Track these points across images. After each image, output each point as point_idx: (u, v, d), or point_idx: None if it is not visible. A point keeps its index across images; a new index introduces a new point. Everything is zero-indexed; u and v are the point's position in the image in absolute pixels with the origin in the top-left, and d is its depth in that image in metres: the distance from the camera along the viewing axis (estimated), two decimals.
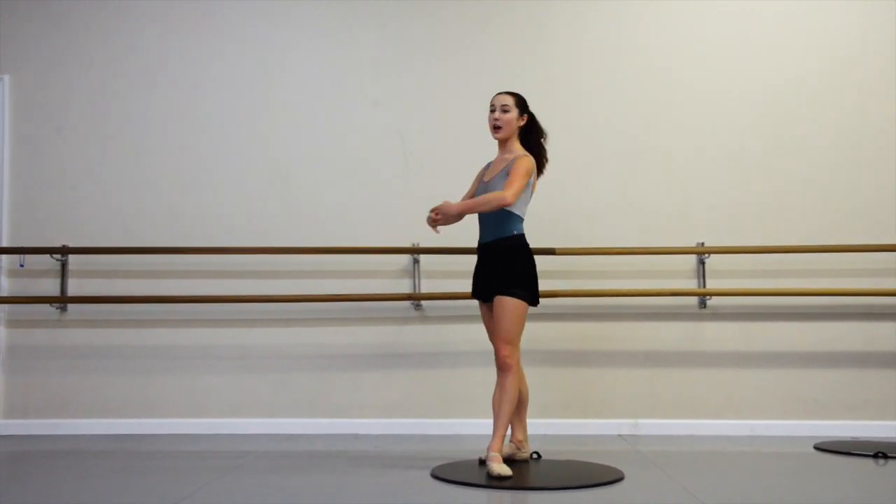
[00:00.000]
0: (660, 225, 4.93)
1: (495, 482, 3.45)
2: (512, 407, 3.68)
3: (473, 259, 3.92)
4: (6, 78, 5.05)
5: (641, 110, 5.02)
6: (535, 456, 3.95)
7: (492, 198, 3.63)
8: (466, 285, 3.99)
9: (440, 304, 4.88)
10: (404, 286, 4.92)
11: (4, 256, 4.93)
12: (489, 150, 4.00)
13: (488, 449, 3.64)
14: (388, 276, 4.94)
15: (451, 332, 4.88)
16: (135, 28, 5.10)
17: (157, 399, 4.89)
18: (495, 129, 3.82)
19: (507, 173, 3.70)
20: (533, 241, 3.83)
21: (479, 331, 3.99)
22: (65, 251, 4.88)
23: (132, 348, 4.93)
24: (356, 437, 4.73)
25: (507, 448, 3.85)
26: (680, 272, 4.91)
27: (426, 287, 4.90)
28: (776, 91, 5.01)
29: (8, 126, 5.04)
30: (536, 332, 3.89)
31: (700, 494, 3.25)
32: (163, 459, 4.13)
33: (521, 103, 3.87)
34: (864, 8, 5.03)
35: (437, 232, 3.83)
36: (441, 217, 3.73)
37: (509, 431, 3.89)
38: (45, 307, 4.91)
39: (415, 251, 4.85)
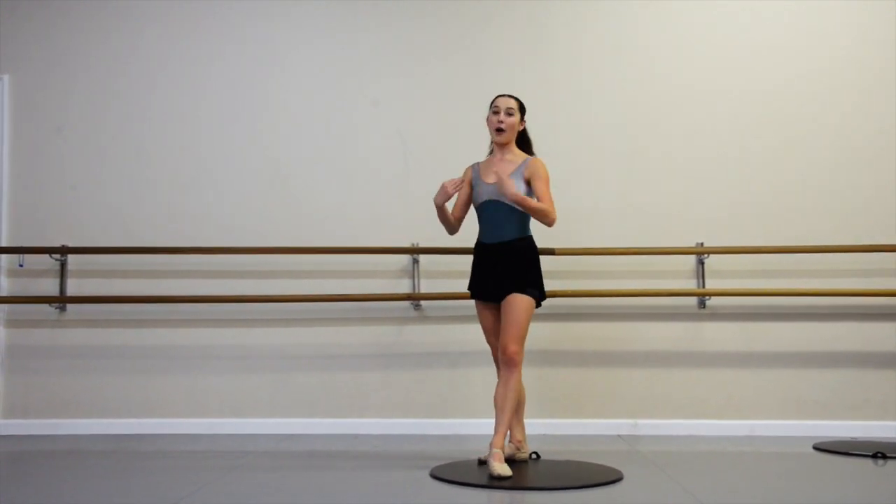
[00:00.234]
0: (659, 225, 4.93)
1: (495, 482, 3.45)
2: (515, 404, 3.70)
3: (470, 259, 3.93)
4: (6, 78, 5.05)
5: (641, 110, 5.02)
6: (534, 456, 3.95)
7: (548, 210, 3.70)
8: (466, 286, 3.98)
9: (440, 304, 4.88)
10: (404, 286, 4.92)
11: (4, 256, 4.94)
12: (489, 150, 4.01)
13: (491, 445, 3.64)
14: (388, 276, 4.94)
15: (451, 332, 4.88)
16: (135, 28, 5.10)
17: (156, 399, 4.89)
18: (499, 131, 3.83)
19: (523, 176, 3.76)
20: None
21: (478, 330, 3.98)
22: (64, 251, 4.88)
23: (132, 348, 4.93)
24: (356, 437, 4.73)
25: (507, 448, 3.85)
26: (679, 272, 4.91)
27: (426, 287, 4.90)
28: (776, 91, 5.01)
29: (8, 126, 5.04)
30: (536, 333, 3.88)
31: (699, 494, 3.25)
32: (163, 459, 4.13)
33: (522, 108, 3.92)
34: (864, 8, 5.03)
35: (449, 193, 3.75)
36: (492, 189, 3.75)
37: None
38: (45, 307, 4.91)
39: (414, 251, 4.86)
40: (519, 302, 3.68)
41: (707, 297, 4.85)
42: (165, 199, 5.00)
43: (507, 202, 3.75)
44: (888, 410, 4.79)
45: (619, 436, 4.75)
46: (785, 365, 4.86)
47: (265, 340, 4.93)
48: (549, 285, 3.86)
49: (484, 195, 3.82)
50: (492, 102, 3.91)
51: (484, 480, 3.49)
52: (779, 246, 4.82)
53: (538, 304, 3.78)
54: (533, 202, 3.74)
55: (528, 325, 3.69)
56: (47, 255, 4.88)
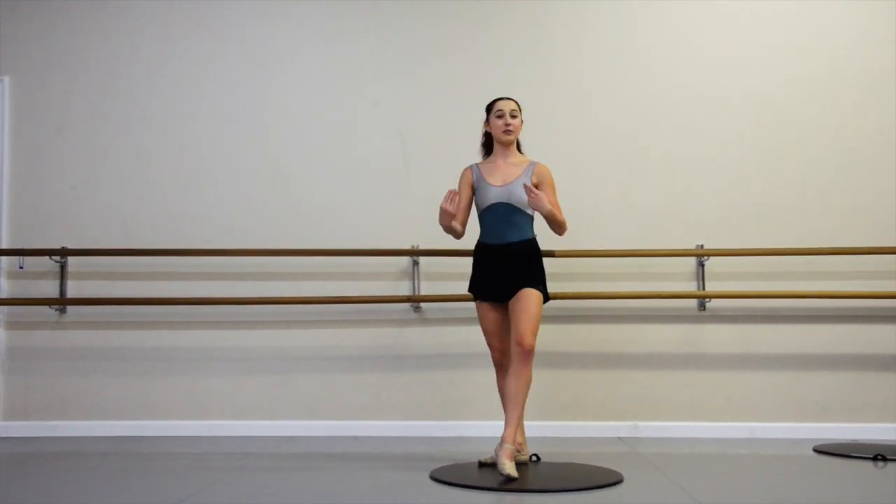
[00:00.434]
0: (659, 227, 4.93)
1: (502, 483, 3.46)
2: (526, 398, 3.70)
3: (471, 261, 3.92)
4: (6, 79, 5.05)
5: (641, 111, 5.02)
6: (534, 458, 3.95)
7: (563, 221, 3.80)
8: (465, 287, 3.98)
9: (439, 306, 4.88)
10: (404, 288, 4.92)
11: (4, 258, 4.93)
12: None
13: (503, 440, 3.64)
14: (388, 278, 4.94)
15: (451, 334, 4.88)
16: (135, 28, 5.10)
17: (157, 401, 4.89)
18: (508, 133, 3.84)
19: (531, 181, 3.81)
20: None
21: (478, 332, 3.98)
22: (64, 253, 4.88)
23: (132, 350, 4.93)
24: (356, 438, 4.73)
25: None
26: (679, 274, 4.91)
27: (425, 289, 4.90)
28: (776, 92, 5.01)
29: (8, 127, 5.03)
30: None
31: (699, 497, 3.25)
32: (163, 461, 4.13)
33: (520, 110, 3.93)
34: (864, 9, 5.03)
35: (452, 211, 3.73)
36: (500, 192, 3.78)
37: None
38: (45, 309, 4.91)
39: (414, 253, 4.85)
40: (531, 295, 3.71)
41: (707, 300, 4.85)
42: (165, 200, 5.00)
43: (515, 204, 3.77)
44: (888, 412, 4.79)
45: (619, 438, 4.75)
46: (785, 367, 4.86)
47: (265, 342, 4.93)
48: (549, 287, 3.86)
49: (491, 198, 3.82)
50: (492, 106, 3.92)
51: (484, 482, 3.49)
52: (779, 248, 4.82)
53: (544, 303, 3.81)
54: (560, 215, 3.80)
55: (540, 318, 3.72)
56: (47, 257, 4.88)
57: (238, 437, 4.76)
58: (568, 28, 5.08)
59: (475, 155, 4.08)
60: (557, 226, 3.84)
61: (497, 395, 3.92)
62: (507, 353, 3.86)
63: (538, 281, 3.78)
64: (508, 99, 3.92)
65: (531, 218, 3.85)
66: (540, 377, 4.70)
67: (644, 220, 4.94)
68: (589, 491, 3.39)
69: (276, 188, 5.01)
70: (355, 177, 5.01)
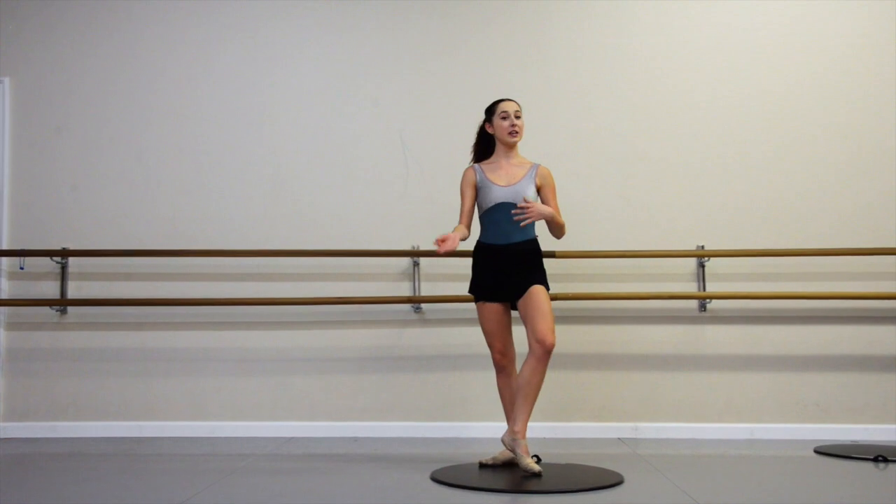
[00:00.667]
0: (660, 228, 4.93)
1: (526, 477, 3.53)
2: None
3: (470, 262, 3.92)
4: (6, 80, 5.05)
5: (641, 113, 5.02)
6: (535, 459, 3.94)
7: (563, 224, 3.86)
8: (466, 288, 3.98)
9: (440, 306, 4.88)
10: (404, 289, 4.92)
11: (4, 259, 4.93)
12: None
13: (515, 433, 3.67)
14: (388, 278, 4.94)
15: (451, 335, 4.88)
16: (135, 28, 5.11)
17: (157, 402, 4.89)
18: (513, 134, 3.86)
19: (535, 183, 3.83)
20: None
21: (478, 333, 3.98)
22: (65, 254, 4.88)
23: (132, 351, 4.93)
24: (356, 439, 4.73)
25: (508, 452, 3.84)
26: (680, 275, 4.91)
27: (426, 290, 4.90)
28: (777, 94, 5.01)
29: (8, 128, 5.04)
30: None
31: (700, 498, 3.25)
32: (163, 462, 4.13)
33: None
34: (865, 12, 5.03)
35: (452, 248, 3.70)
36: (506, 192, 3.80)
37: (502, 436, 3.89)
38: (45, 310, 4.91)
39: (415, 254, 4.85)
40: (543, 292, 3.74)
41: (708, 301, 4.85)
42: (166, 200, 5.00)
43: (528, 200, 3.77)
44: (889, 413, 4.79)
45: (619, 439, 4.75)
46: (786, 368, 4.86)
47: (266, 343, 4.93)
48: (549, 288, 3.86)
49: (496, 198, 3.82)
50: (494, 108, 3.91)
51: (485, 484, 3.49)
52: (779, 249, 4.82)
53: None
54: (559, 217, 3.83)
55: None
56: (48, 258, 4.88)
57: (238, 437, 4.76)
58: (568, 29, 5.08)
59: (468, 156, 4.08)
60: (557, 229, 3.87)
61: (497, 396, 3.92)
62: (507, 354, 3.86)
63: (544, 279, 3.81)
64: (511, 100, 3.92)
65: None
66: None
67: (644, 221, 4.94)
68: (589, 492, 3.39)
69: (276, 189, 5.01)
70: (356, 177, 5.01)
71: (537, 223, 3.87)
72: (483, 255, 3.87)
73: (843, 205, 4.93)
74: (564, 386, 4.82)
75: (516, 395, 3.73)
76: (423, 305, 4.89)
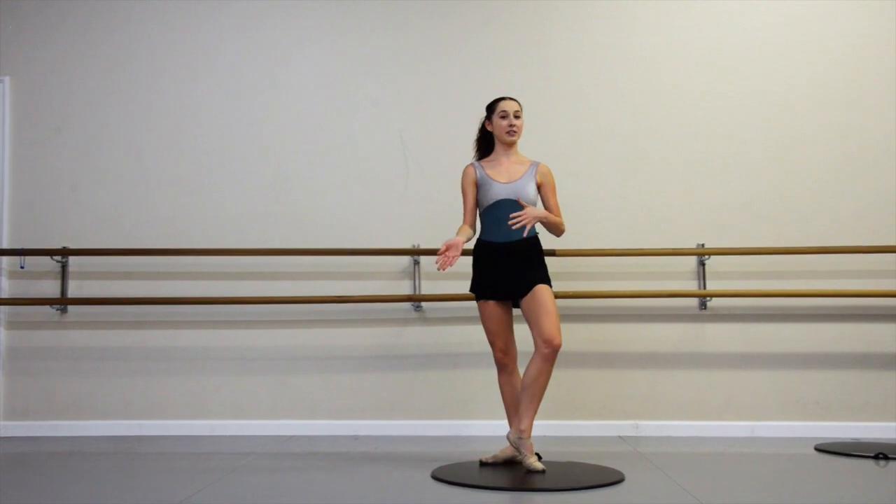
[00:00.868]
0: (660, 226, 4.93)
1: (528, 475, 3.55)
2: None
3: (469, 260, 3.91)
4: (6, 80, 5.05)
5: (642, 112, 5.02)
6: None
7: (562, 223, 3.86)
8: (466, 287, 3.98)
9: (440, 305, 4.88)
10: (405, 287, 4.92)
11: (5, 258, 4.94)
12: None
13: (521, 432, 3.68)
14: (389, 277, 4.94)
15: (452, 334, 4.88)
16: (135, 28, 5.11)
17: (157, 400, 4.89)
18: (511, 133, 3.85)
19: (535, 181, 3.83)
20: None
21: (478, 332, 3.98)
22: (65, 253, 4.88)
23: (133, 350, 4.93)
24: (356, 438, 4.73)
25: (509, 450, 3.85)
26: (680, 273, 4.91)
27: (426, 288, 4.90)
28: (777, 93, 5.01)
29: (9, 128, 5.04)
30: None
31: (700, 496, 3.25)
32: (163, 461, 4.13)
33: (522, 110, 3.94)
34: (865, 12, 5.03)
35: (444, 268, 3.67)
36: (507, 189, 3.79)
37: (507, 434, 3.90)
38: (46, 309, 4.91)
39: (415, 252, 4.86)
40: (547, 291, 3.73)
41: (708, 299, 4.85)
42: (166, 200, 5.00)
43: (521, 202, 3.78)
44: (889, 411, 4.79)
45: (620, 437, 4.75)
46: (786, 366, 4.86)
47: (266, 342, 4.93)
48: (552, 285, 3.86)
49: (497, 195, 3.82)
50: (494, 106, 3.91)
51: (486, 482, 3.49)
52: (780, 247, 4.83)
53: None
54: (553, 217, 3.83)
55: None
56: (48, 257, 4.88)
57: (239, 436, 4.76)
58: (568, 29, 5.08)
59: (471, 154, 4.07)
60: (554, 228, 3.86)
61: (499, 394, 3.92)
62: (509, 353, 3.85)
63: (547, 277, 3.80)
64: (511, 99, 3.91)
65: None
66: None
67: (645, 219, 4.94)
68: (590, 490, 3.39)
69: (276, 188, 5.01)
70: (356, 176, 5.01)
71: (554, 232, 3.88)
72: (484, 254, 3.86)
73: (843, 203, 4.93)
74: (565, 384, 4.82)
75: (522, 395, 3.73)
76: (424, 304, 4.89)
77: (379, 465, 3.93)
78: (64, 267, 4.92)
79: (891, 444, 4.43)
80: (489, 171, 3.88)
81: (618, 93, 5.03)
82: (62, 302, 4.87)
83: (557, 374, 4.76)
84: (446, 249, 3.65)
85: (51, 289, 4.94)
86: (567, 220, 3.94)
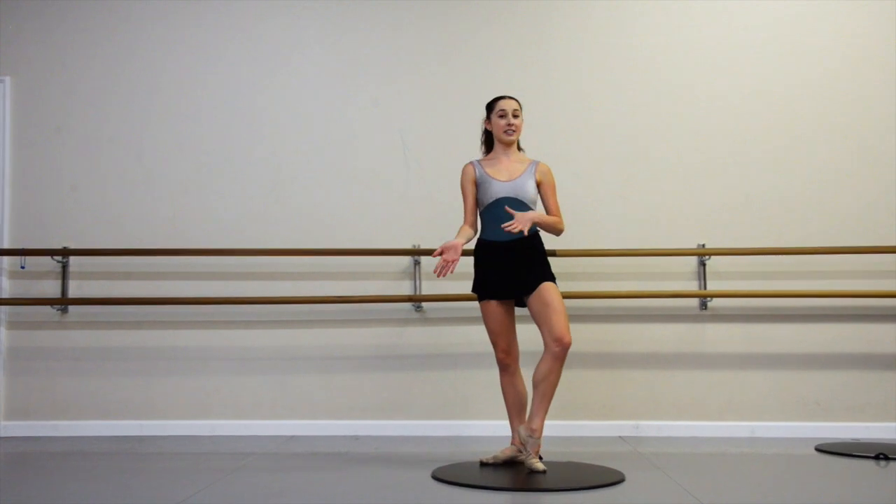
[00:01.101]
0: (660, 227, 4.93)
1: (531, 475, 3.55)
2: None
3: (471, 260, 3.91)
4: (7, 80, 5.05)
5: (642, 113, 5.02)
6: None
7: (560, 223, 3.85)
8: (467, 286, 3.98)
9: (441, 305, 4.88)
10: (405, 288, 4.92)
11: (5, 258, 4.94)
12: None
13: (533, 431, 3.67)
14: (389, 277, 4.94)
15: (452, 334, 4.88)
16: (135, 28, 5.11)
17: (158, 400, 4.89)
18: (509, 133, 3.85)
19: (535, 179, 3.82)
20: None
21: (479, 332, 3.98)
22: (66, 253, 4.88)
23: (133, 350, 4.93)
24: (357, 438, 4.73)
25: (509, 450, 3.84)
26: (681, 274, 4.91)
27: (427, 289, 4.89)
28: (777, 93, 5.01)
29: (9, 128, 5.04)
30: (537, 335, 3.87)
31: (701, 496, 3.25)
32: (164, 461, 4.13)
33: (521, 109, 3.94)
34: (865, 12, 5.03)
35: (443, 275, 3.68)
36: (507, 187, 3.79)
37: (509, 433, 3.90)
38: (46, 309, 4.91)
39: (415, 253, 4.85)
40: (554, 289, 3.72)
41: (708, 299, 4.85)
42: (167, 200, 5.00)
43: (522, 199, 3.78)
44: (890, 412, 4.79)
45: (620, 437, 4.75)
46: (786, 366, 4.86)
47: (267, 342, 4.93)
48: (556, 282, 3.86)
49: (497, 193, 3.81)
50: (493, 105, 3.91)
51: (486, 482, 3.49)
52: (780, 247, 4.82)
53: None
54: (547, 218, 3.82)
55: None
56: (49, 257, 4.88)
57: (239, 436, 4.76)
58: (568, 30, 5.08)
59: (475, 154, 4.07)
60: (550, 228, 3.84)
61: (499, 394, 3.91)
62: (512, 353, 3.84)
63: (551, 274, 3.78)
64: (510, 98, 3.91)
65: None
66: None
67: (645, 219, 4.94)
68: (590, 490, 3.39)
69: (277, 188, 5.01)
70: (356, 176, 5.01)
71: (552, 232, 3.87)
72: (485, 253, 3.84)
73: (843, 203, 4.93)
74: (566, 384, 4.77)
75: (533, 394, 3.71)
76: (424, 304, 4.89)
77: (379, 466, 3.92)
78: (64, 267, 4.92)
79: (891, 444, 4.43)
80: (489, 170, 3.87)
81: (618, 93, 5.03)
82: (63, 302, 4.88)
83: None
84: (442, 252, 3.65)
85: (51, 289, 4.94)
86: (567, 220, 3.94)
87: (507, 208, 3.73)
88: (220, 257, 4.90)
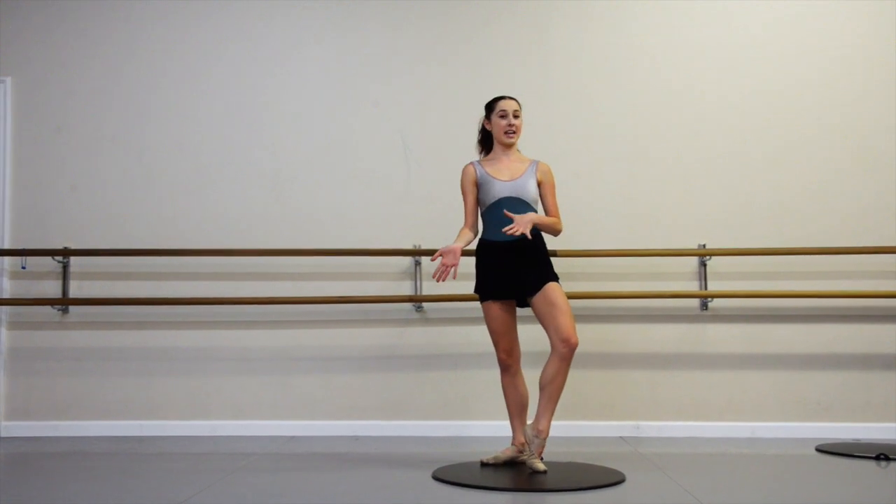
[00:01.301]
0: (661, 227, 4.93)
1: (532, 476, 3.56)
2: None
3: (472, 261, 3.91)
4: (8, 80, 5.05)
5: (643, 113, 5.02)
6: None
7: (559, 223, 3.83)
8: (467, 287, 3.98)
9: (441, 305, 4.88)
10: (406, 288, 4.92)
11: (6, 258, 4.94)
12: None
13: (539, 431, 3.67)
14: (390, 278, 4.94)
15: (453, 334, 4.88)
16: (135, 28, 5.11)
17: (158, 401, 4.89)
18: (510, 134, 3.85)
19: (536, 178, 3.82)
20: None
21: (480, 332, 3.98)
22: (66, 253, 4.88)
23: (134, 350, 4.93)
24: (357, 438, 4.73)
25: (510, 450, 3.84)
26: (681, 274, 4.90)
27: (427, 289, 4.89)
28: (778, 93, 5.01)
29: (10, 128, 5.04)
30: (538, 335, 3.88)
31: (701, 496, 3.25)
32: (164, 461, 4.13)
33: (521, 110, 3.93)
34: (865, 12, 5.02)
35: (442, 280, 3.67)
36: (509, 187, 3.78)
37: (510, 434, 3.90)
38: (47, 309, 4.91)
39: (416, 253, 4.85)
40: (559, 289, 3.72)
41: (709, 299, 4.85)
42: (167, 200, 5.01)
43: (524, 199, 3.77)
44: (891, 412, 4.79)
45: (621, 437, 4.75)
46: (787, 366, 4.86)
47: (267, 342, 4.93)
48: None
49: (499, 192, 3.80)
50: (493, 105, 3.90)
51: (487, 482, 3.49)
52: (781, 247, 4.82)
53: None
54: (546, 219, 3.80)
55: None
56: (49, 258, 4.88)
57: (239, 437, 4.76)
58: (569, 31, 5.08)
59: (476, 154, 4.07)
60: (549, 229, 3.83)
61: (500, 394, 3.91)
62: (513, 354, 3.84)
63: (555, 274, 3.78)
64: (511, 98, 3.90)
65: (536, 213, 3.83)
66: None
67: (646, 219, 4.93)
68: (591, 490, 3.39)
69: (277, 188, 5.01)
70: (357, 177, 5.01)
71: (551, 233, 3.87)
72: (487, 254, 3.83)
73: (844, 203, 4.93)
74: (566, 384, 4.79)
75: (540, 395, 3.71)
76: (425, 304, 4.89)
77: (380, 466, 3.92)
78: (65, 267, 4.92)
79: (892, 444, 4.43)
80: (489, 170, 3.87)
81: (618, 92, 5.03)
82: (63, 302, 4.88)
83: None
84: (440, 255, 3.64)
85: (52, 289, 4.94)
86: (567, 220, 3.94)
87: (507, 212, 3.71)
88: (221, 257, 4.90)
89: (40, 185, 5.02)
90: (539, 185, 3.84)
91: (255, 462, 4.03)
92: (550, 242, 4.02)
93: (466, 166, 3.93)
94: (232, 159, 5.03)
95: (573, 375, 4.82)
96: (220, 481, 3.58)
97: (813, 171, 4.95)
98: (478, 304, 3.89)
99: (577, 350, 3.70)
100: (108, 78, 5.09)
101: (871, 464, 3.99)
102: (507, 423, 3.92)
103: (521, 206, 3.77)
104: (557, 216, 3.85)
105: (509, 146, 3.88)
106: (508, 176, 3.82)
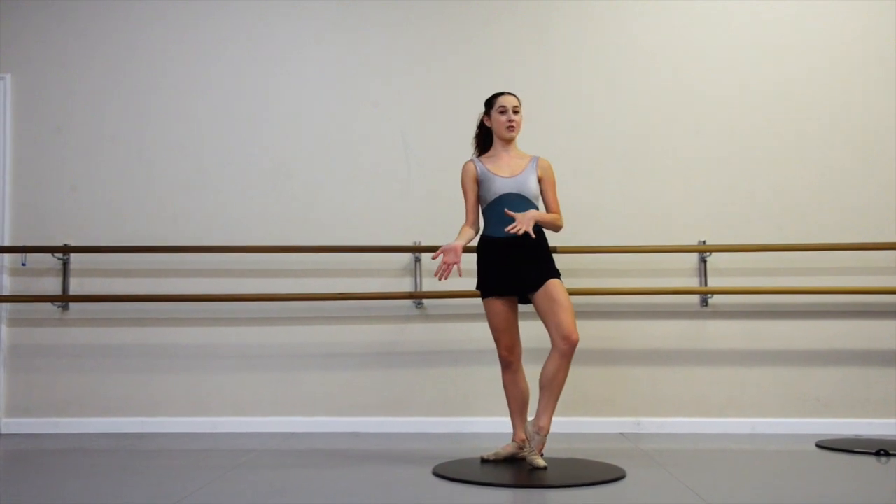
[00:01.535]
0: (661, 223, 4.93)
1: (532, 472, 3.56)
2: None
3: (474, 257, 3.91)
4: (7, 77, 5.06)
5: (643, 109, 5.02)
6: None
7: (559, 219, 3.83)
8: (468, 283, 3.98)
9: (442, 302, 4.88)
10: (406, 285, 4.92)
11: (6, 255, 4.94)
12: None
13: (540, 428, 3.67)
14: (390, 274, 4.94)
15: (453, 331, 4.89)
16: (135, 28, 5.11)
17: (158, 397, 4.90)
18: (511, 129, 3.84)
19: (536, 174, 3.82)
20: None
21: (480, 329, 3.98)
22: (66, 250, 4.88)
23: (134, 347, 4.94)
24: (357, 435, 4.73)
25: (510, 447, 3.85)
26: (682, 270, 4.91)
27: (428, 286, 4.90)
28: (778, 89, 5.01)
29: (10, 126, 5.04)
30: (538, 331, 3.88)
31: (702, 492, 3.25)
32: (165, 458, 4.13)
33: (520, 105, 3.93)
34: (867, 10, 5.02)
35: (443, 279, 3.68)
36: (510, 183, 3.78)
37: (510, 430, 3.90)
38: (47, 306, 4.92)
39: (416, 250, 4.86)
40: (560, 286, 3.72)
41: (709, 296, 4.85)
42: (167, 197, 5.01)
43: (525, 195, 3.77)
44: (891, 408, 4.79)
45: (621, 434, 4.75)
46: (787, 363, 4.86)
47: (267, 339, 4.93)
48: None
49: (500, 189, 3.79)
50: (493, 101, 3.89)
51: (487, 478, 3.49)
52: (781, 244, 4.83)
53: None
54: (548, 216, 3.80)
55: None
56: (50, 255, 4.89)
57: (240, 433, 4.76)
58: (570, 28, 5.08)
59: (471, 150, 4.07)
60: (550, 225, 3.82)
61: (501, 391, 3.91)
62: (514, 351, 3.83)
63: (556, 270, 3.78)
64: (510, 94, 3.89)
65: (537, 209, 3.83)
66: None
67: (646, 216, 4.94)
68: (591, 486, 3.39)
69: (278, 186, 5.01)
70: (357, 174, 5.01)
71: (551, 229, 3.86)
72: (488, 250, 3.82)
73: (845, 200, 4.93)
74: (567, 381, 4.79)
75: (541, 392, 3.71)
76: (425, 301, 4.89)
77: (380, 462, 3.93)
78: (65, 264, 4.92)
79: (892, 440, 4.43)
80: (490, 166, 3.86)
81: (618, 90, 5.03)
82: (64, 299, 4.88)
83: None
84: (441, 253, 3.64)
85: (52, 286, 4.94)
86: (568, 217, 3.94)
87: (507, 211, 3.71)
88: (221, 254, 4.91)
89: (40, 183, 5.02)
90: (540, 181, 3.84)
91: (256, 459, 4.03)
92: (551, 239, 4.02)
93: (466, 163, 3.92)
94: (232, 158, 5.03)
95: (574, 372, 4.83)
96: (221, 478, 3.58)
97: (813, 168, 4.96)
98: (478, 300, 3.89)
99: (578, 346, 3.70)
100: (108, 78, 5.09)
101: (871, 460, 3.99)
102: (508, 419, 3.92)
103: (522, 202, 3.77)
104: (558, 212, 3.85)
105: (509, 141, 3.87)
106: (509, 172, 3.81)
